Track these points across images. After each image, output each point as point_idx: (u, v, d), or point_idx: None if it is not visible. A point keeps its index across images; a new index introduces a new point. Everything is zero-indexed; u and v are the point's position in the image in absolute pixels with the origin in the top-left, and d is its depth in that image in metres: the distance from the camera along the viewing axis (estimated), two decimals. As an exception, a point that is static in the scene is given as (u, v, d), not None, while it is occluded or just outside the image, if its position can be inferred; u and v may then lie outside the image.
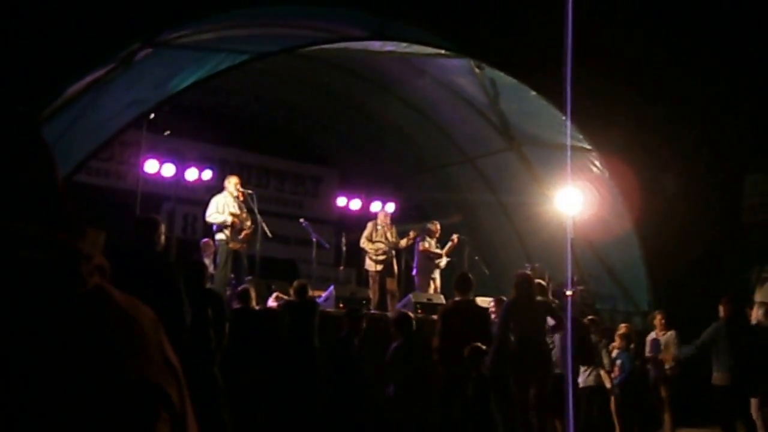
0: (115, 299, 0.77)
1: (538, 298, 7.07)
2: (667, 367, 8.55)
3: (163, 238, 5.33)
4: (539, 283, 7.72)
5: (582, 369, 7.71)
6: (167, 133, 10.54)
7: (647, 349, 8.74)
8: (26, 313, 0.69)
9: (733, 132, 11.90)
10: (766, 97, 11.69)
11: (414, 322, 6.49)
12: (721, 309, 7.28)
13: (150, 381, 0.72)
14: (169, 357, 0.78)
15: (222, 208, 8.69)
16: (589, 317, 8.60)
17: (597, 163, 10.47)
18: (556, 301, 7.62)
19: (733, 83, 12.09)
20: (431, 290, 10.03)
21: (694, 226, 11.14)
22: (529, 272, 7.97)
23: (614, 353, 8.24)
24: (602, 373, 8.19)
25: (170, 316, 4.54)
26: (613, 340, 8.32)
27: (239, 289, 7.59)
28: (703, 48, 12.09)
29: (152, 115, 8.37)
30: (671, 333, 8.68)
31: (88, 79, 8.70)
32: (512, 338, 6.58)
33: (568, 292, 7.24)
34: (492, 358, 6.26)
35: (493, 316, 7.69)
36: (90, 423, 0.67)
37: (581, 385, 7.63)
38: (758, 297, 10.20)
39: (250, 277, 8.78)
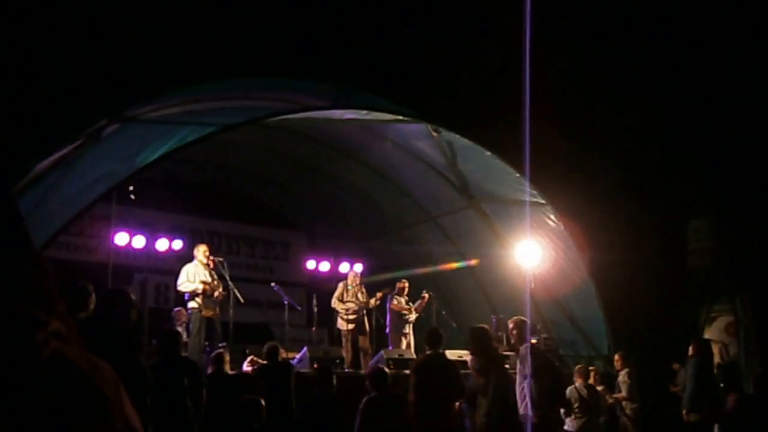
0: (74, 364, 0.72)
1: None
2: (624, 405, 8.77)
3: (131, 310, 4.89)
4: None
5: (572, 417, 7.85)
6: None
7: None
8: None
9: (676, 184, 12.60)
10: (703, 151, 12.51)
11: (389, 378, 6.57)
12: (691, 350, 7.57)
13: None
14: (130, 420, 0.75)
15: (193, 277, 8.79)
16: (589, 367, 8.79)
17: (552, 216, 10.92)
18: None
19: (676, 140, 12.86)
20: (404, 346, 10.26)
21: (645, 273, 11.64)
22: (484, 326, 7.84)
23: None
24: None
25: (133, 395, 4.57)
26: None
27: (213, 353, 7.63)
28: (646, 106, 12.89)
29: (131, 188, 8.42)
30: (624, 372, 8.88)
31: (56, 155, 8.74)
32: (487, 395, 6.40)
33: (533, 340, 7.55)
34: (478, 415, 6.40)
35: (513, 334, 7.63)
36: None
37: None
38: (708, 335, 10.73)
39: (224, 344, 8.84)
